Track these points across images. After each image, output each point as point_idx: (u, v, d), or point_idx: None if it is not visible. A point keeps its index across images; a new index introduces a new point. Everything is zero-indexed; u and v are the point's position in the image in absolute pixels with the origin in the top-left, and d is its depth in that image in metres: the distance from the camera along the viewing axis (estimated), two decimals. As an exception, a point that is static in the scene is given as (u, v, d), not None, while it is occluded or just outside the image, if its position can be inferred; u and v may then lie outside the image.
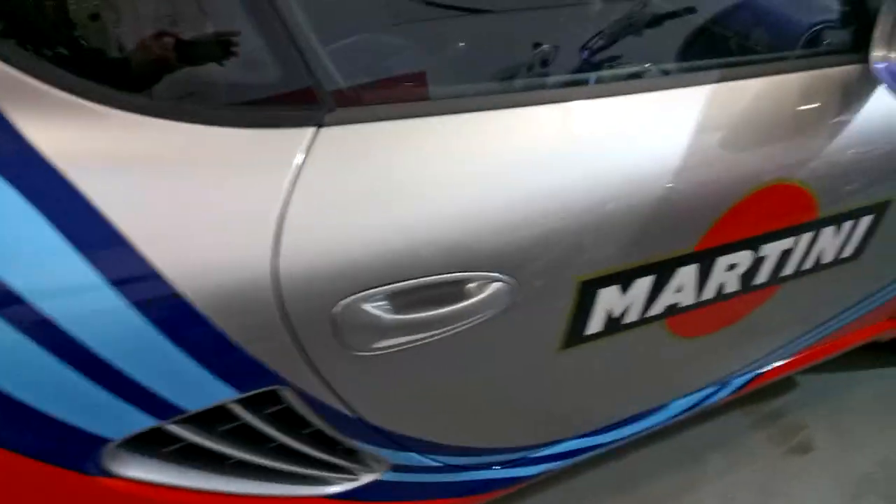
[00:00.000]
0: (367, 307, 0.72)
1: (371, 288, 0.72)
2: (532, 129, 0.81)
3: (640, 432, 1.27)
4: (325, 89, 0.71)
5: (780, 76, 0.96)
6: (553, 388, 1.04)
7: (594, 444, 1.20)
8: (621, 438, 1.25)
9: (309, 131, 0.70)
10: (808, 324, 1.31)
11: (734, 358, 1.27)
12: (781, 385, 1.67)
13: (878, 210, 1.10)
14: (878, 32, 0.95)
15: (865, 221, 1.11)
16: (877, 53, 0.95)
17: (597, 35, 0.97)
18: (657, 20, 1.04)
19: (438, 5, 1.06)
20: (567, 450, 1.17)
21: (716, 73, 0.93)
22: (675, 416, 1.30)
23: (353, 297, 0.71)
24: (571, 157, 0.81)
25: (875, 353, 1.68)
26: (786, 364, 1.40)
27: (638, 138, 0.86)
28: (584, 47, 0.97)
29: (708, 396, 1.31)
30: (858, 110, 0.99)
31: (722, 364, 1.27)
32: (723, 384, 1.31)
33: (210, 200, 0.65)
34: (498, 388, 0.97)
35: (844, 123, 0.98)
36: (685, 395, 1.27)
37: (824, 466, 1.53)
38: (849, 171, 1.01)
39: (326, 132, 0.71)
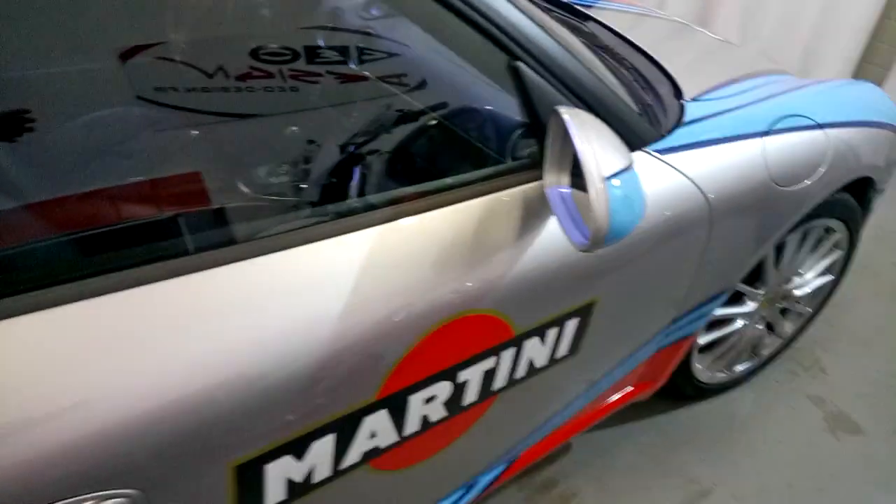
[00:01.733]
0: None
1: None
2: (142, 305, 0.71)
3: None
4: None
5: (461, 203, 0.93)
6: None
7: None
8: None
9: None
10: (545, 413, 1.31)
11: (472, 463, 1.25)
12: (556, 451, 1.69)
13: (583, 311, 1.12)
14: (548, 157, 0.95)
15: (572, 324, 1.11)
16: (548, 177, 0.95)
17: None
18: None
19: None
20: None
21: (386, 211, 0.89)
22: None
23: None
24: (201, 330, 0.73)
25: (638, 407, 1.75)
26: (535, 448, 1.39)
27: (288, 297, 0.79)
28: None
29: (457, 501, 1.27)
30: (543, 226, 0.99)
31: (459, 472, 1.24)
32: (469, 486, 1.28)
33: None
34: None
35: (530, 242, 0.97)
36: (427, 509, 1.23)
37: (592, 535, 1.56)
38: (537, 287, 1.00)
39: None
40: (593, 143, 0.83)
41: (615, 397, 1.51)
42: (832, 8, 3.37)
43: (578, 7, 1.75)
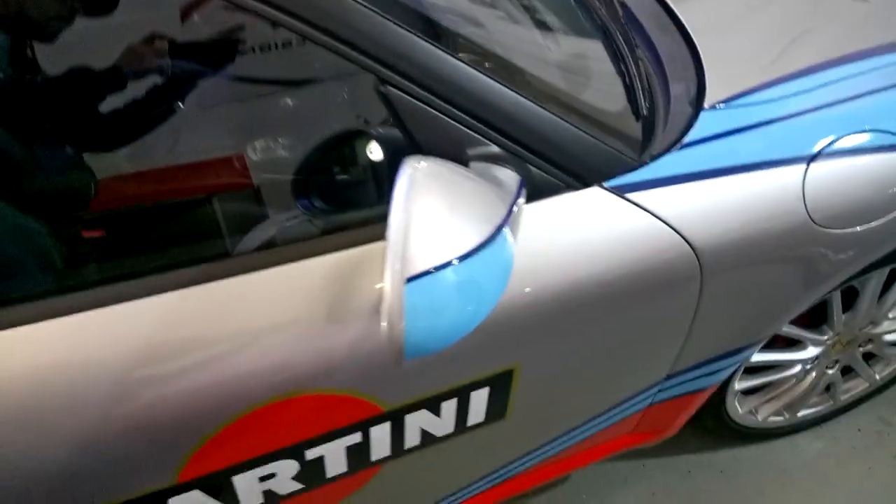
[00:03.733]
0: None
1: None
2: None
3: None
4: None
5: (292, 264, 0.76)
6: None
7: None
8: None
9: None
10: (484, 468, 1.12)
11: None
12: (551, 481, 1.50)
13: (497, 380, 0.91)
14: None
15: (481, 393, 0.91)
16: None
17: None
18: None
19: None
20: None
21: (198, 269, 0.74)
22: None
23: None
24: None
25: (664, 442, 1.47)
26: (490, 493, 1.22)
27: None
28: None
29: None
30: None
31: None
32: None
33: None
34: None
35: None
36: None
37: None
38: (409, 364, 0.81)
39: None
40: (426, 212, 0.62)
41: (600, 444, 1.28)
42: None
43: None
